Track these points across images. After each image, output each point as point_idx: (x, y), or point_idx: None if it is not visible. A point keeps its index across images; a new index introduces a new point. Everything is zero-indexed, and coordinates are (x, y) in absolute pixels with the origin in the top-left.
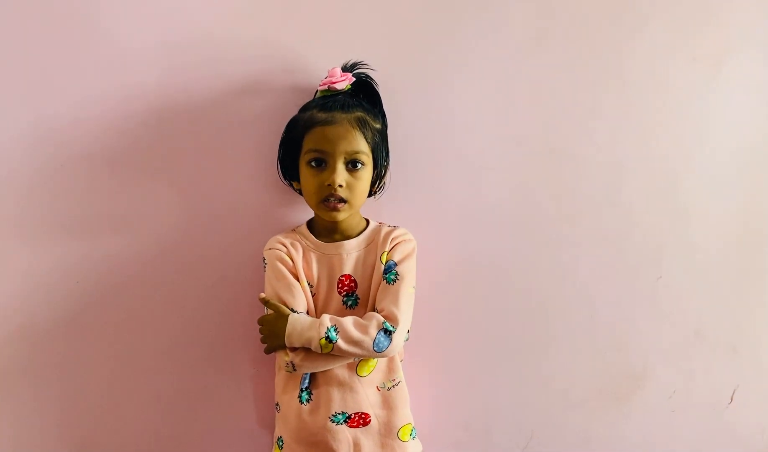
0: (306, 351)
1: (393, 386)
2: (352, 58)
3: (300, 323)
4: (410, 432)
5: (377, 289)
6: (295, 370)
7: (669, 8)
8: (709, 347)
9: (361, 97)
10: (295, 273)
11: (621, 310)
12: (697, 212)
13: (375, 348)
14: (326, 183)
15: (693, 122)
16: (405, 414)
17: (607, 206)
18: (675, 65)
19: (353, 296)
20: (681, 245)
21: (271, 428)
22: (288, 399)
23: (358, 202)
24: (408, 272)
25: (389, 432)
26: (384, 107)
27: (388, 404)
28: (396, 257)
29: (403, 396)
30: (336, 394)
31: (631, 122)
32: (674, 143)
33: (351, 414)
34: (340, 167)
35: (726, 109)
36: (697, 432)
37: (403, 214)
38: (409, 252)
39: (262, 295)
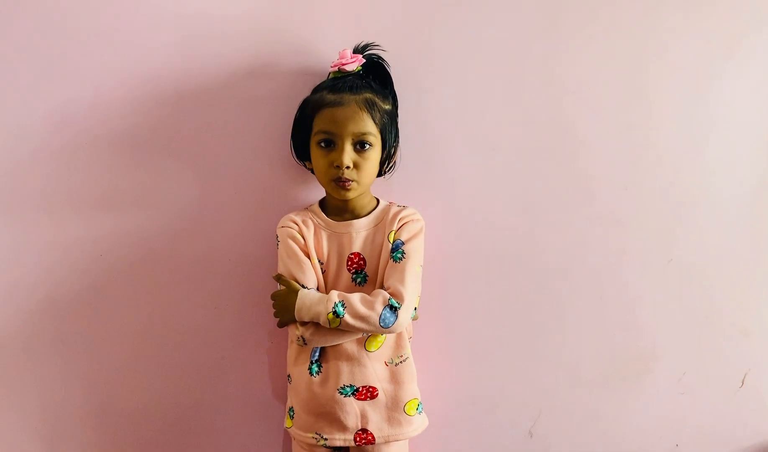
0: (316, 325)
1: (400, 361)
2: (365, 40)
3: (309, 298)
4: (416, 406)
5: (385, 267)
6: (305, 344)
7: None
8: (720, 330)
9: (371, 79)
10: (306, 251)
11: (631, 291)
12: (708, 195)
13: (381, 324)
14: (335, 164)
15: (706, 104)
16: (412, 389)
17: (617, 188)
18: (689, 48)
19: (362, 274)
20: (692, 228)
21: (285, 399)
22: (299, 370)
23: (367, 181)
24: (414, 251)
25: (396, 406)
26: (395, 88)
27: (395, 379)
28: (403, 237)
29: (410, 371)
30: (345, 367)
31: (643, 105)
32: (687, 126)
33: (359, 387)
34: (348, 148)
35: (740, 92)
36: (706, 416)
37: (414, 194)
38: (416, 232)
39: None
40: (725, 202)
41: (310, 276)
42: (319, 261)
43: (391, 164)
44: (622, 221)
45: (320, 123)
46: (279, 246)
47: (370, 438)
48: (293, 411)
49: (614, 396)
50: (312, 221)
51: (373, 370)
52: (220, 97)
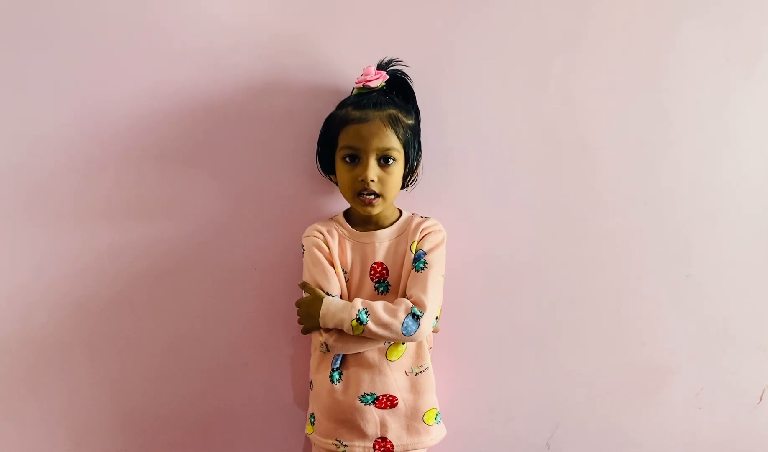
0: (339, 332)
1: (420, 371)
2: (387, 56)
3: (333, 305)
4: (435, 416)
5: (407, 277)
6: (328, 350)
7: (702, 8)
8: (738, 346)
9: (395, 94)
10: (331, 259)
11: (648, 306)
12: (726, 211)
13: (403, 332)
14: (359, 178)
15: (724, 120)
16: (431, 399)
17: (636, 202)
18: (707, 65)
19: (384, 283)
20: (710, 244)
21: (307, 405)
22: (321, 377)
23: (391, 195)
24: (436, 261)
25: (415, 416)
26: (417, 103)
27: (415, 388)
28: (425, 247)
29: (429, 381)
30: (365, 376)
31: (662, 121)
32: (705, 142)
33: (379, 396)
34: (373, 163)
35: (758, 109)
36: (724, 431)
37: (435, 206)
38: (438, 242)
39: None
40: (743, 217)
41: (335, 284)
42: (342, 270)
43: (413, 177)
44: (640, 236)
45: (345, 139)
46: (304, 255)
47: (389, 446)
48: (314, 417)
49: (631, 409)
50: (336, 231)
51: (394, 379)
52: (247, 112)
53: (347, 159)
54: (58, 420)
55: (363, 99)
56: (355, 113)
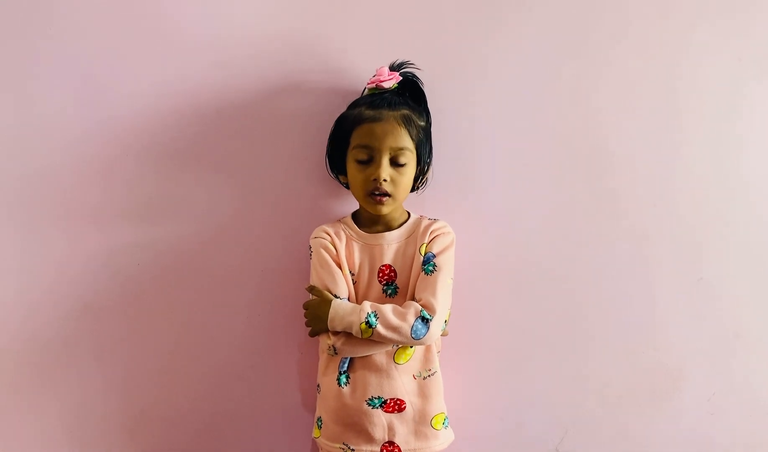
0: (347, 335)
1: (429, 375)
2: (399, 59)
3: (342, 308)
4: (443, 421)
5: (416, 279)
6: (336, 353)
7: (715, 10)
8: (750, 350)
9: (407, 96)
10: (338, 261)
11: (660, 310)
12: (739, 213)
13: (413, 335)
14: (372, 177)
15: (737, 123)
16: (439, 404)
17: (647, 205)
18: (720, 66)
19: (393, 285)
20: (723, 247)
21: (314, 409)
22: (328, 380)
23: (402, 196)
24: (446, 263)
25: (423, 420)
26: (429, 106)
27: (423, 392)
28: (435, 249)
29: (437, 385)
30: (373, 379)
31: (674, 123)
32: (717, 144)
33: (387, 399)
34: (385, 162)
35: None
36: (736, 437)
37: (445, 208)
38: (447, 245)
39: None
40: (755, 220)
41: (342, 286)
42: (350, 272)
43: (424, 180)
44: (652, 239)
45: (358, 137)
46: (312, 256)
47: (396, 450)
48: (321, 420)
49: (642, 415)
50: (344, 232)
51: (401, 383)
52: (256, 114)
53: (360, 158)
54: (64, 421)
55: (377, 99)
56: (369, 112)
